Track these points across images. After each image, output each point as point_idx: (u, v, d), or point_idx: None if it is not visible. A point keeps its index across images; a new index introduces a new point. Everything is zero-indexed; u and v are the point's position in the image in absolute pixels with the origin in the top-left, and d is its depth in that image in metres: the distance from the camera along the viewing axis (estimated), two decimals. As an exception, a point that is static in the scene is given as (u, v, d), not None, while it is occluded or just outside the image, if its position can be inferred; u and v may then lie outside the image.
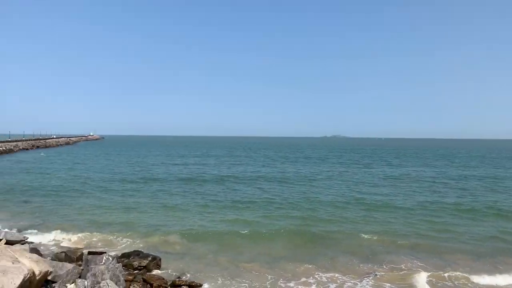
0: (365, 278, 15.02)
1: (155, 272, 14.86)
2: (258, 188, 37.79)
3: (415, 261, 16.94)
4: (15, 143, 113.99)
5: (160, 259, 15.83)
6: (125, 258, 15.70)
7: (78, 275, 12.64)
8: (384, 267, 16.28)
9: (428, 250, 18.45)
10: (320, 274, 15.46)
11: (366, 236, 20.48)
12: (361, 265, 16.53)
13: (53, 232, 20.64)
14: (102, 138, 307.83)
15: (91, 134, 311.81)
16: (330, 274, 15.44)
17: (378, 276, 15.21)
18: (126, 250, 17.30)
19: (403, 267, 16.22)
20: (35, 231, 20.81)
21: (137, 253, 16.14)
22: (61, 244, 18.63)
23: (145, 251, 16.81)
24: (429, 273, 15.27)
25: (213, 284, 14.11)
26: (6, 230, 17.91)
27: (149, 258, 15.45)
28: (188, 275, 14.72)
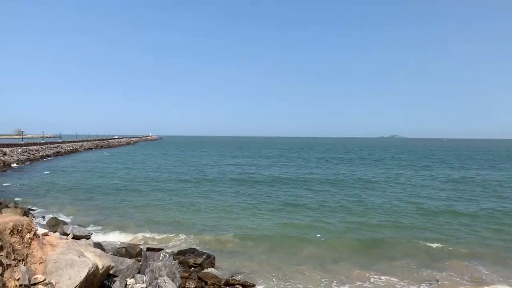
0: (424, 285, 14.31)
1: (209, 270, 15.14)
2: (310, 190, 37.32)
3: (480, 271, 15.83)
4: (81, 143, 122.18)
5: (214, 258, 16.10)
6: (181, 256, 16.14)
7: (138, 271, 13.17)
8: (445, 274, 15.39)
9: (494, 260, 17.15)
10: (376, 278, 14.96)
11: (425, 242, 19.49)
12: (419, 271, 15.78)
13: (114, 228, 21.78)
14: (160, 138, 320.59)
15: (150, 134, 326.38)
16: (386, 278, 14.91)
17: (439, 283, 14.41)
18: (182, 248, 17.78)
19: (467, 277, 15.17)
20: (98, 227, 22.07)
21: (192, 251, 16.53)
22: (121, 240, 19.54)
23: (199, 250, 17.19)
24: (495, 286, 14.23)
25: (266, 285, 14.11)
26: (74, 225, 19.06)
27: (204, 256, 15.76)
28: (241, 275, 14.83)
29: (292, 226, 22.53)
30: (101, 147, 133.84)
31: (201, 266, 15.33)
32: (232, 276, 14.53)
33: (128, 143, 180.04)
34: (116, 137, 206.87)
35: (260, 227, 22.39)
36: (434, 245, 19.02)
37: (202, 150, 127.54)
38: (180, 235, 20.43)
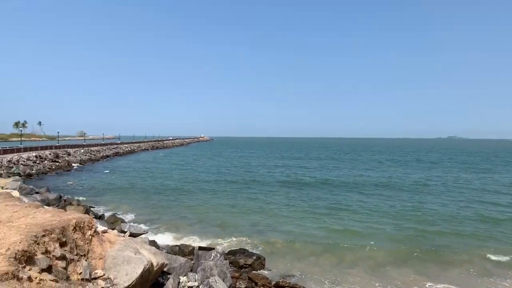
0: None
1: (260, 271, 15.17)
2: (361, 193, 36.25)
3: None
4: (138, 144, 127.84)
5: (264, 259, 16.11)
6: (231, 256, 16.32)
7: (190, 269, 13.47)
8: (507, 284, 14.32)
9: None
10: (432, 284, 14.30)
11: (486, 251, 18.26)
12: (479, 279, 14.86)
13: (168, 227, 22.53)
14: (211, 139, 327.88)
15: (202, 136, 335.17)
16: (443, 286, 14.17)
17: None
18: (232, 248, 17.99)
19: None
20: (153, 225, 22.92)
21: (243, 252, 16.65)
22: (174, 239, 20.15)
23: (249, 250, 17.28)
24: None
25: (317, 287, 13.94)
26: (131, 224, 19.91)
27: (254, 257, 15.82)
28: (292, 278, 14.72)
29: (342, 231, 21.96)
30: (157, 148, 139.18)
31: (251, 266, 15.40)
32: (283, 278, 14.46)
33: (182, 144, 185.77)
34: (171, 138, 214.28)
35: (309, 230, 22.10)
36: (496, 254, 17.75)
37: (251, 151, 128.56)
38: (230, 236, 20.68)
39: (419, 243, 19.81)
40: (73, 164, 61.98)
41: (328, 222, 24.05)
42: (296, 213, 26.68)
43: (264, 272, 15.07)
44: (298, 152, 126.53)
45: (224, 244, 19.22)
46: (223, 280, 12.31)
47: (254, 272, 14.72)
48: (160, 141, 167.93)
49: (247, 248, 17.86)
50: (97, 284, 8.62)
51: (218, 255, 14.36)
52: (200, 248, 16.95)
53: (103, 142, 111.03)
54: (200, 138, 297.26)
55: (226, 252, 17.06)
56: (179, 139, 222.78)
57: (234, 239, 20.07)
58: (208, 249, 17.21)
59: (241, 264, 15.47)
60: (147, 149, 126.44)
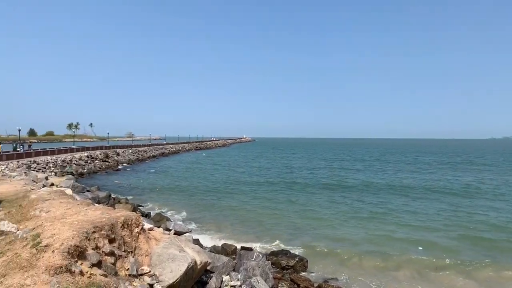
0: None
1: (302, 273, 15.02)
2: (407, 196, 34.85)
3: None
4: (182, 144, 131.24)
5: (307, 261, 15.94)
6: (273, 256, 16.29)
7: (232, 268, 13.59)
8: None
9: None
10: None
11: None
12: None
13: (210, 226, 22.88)
14: (253, 140, 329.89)
15: (244, 136, 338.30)
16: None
17: None
18: (274, 249, 17.95)
19: None
20: (196, 224, 23.37)
21: (285, 253, 16.57)
22: (217, 238, 20.42)
23: (292, 252, 17.17)
24: None
25: (361, 292, 13.62)
26: (175, 222, 20.38)
27: (296, 259, 15.70)
28: (335, 281, 14.46)
29: (387, 236, 21.02)
30: (200, 148, 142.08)
31: (293, 268, 15.29)
32: (326, 281, 14.23)
33: (224, 145, 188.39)
34: (213, 139, 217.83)
35: (352, 234, 21.49)
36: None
37: (292, 152, 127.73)
38: (272, 237, 20.64)
39: (469, 250, 18.77)
40: (122, 164, 64.55)
41: (372, 226, 23.30)
42: (338, 216, 26.09)
43: (307, 274, 14.91)
44: (341, 153, 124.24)
45: (265, 245, 19.21)
46: (265, 281, 12.31)
47: (297, 274, 14.59)
48: (203, 141, 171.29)
49: (288, 249, 17.75)
50: (144, 280, 8.89)
51: (260, 256, 14.37)
52: (242, 248, 17.05)
53: (150, 143, 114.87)
54: (242, 139, 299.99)
55: (268, 253, 17.05)
56: (222, 140, 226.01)
57: (276, 240, 20.01)
58: (250, 249, 17.28)
59: (283, 265, 15.39)
60: (191, 150, 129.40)
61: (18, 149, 50.79)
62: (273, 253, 16.80)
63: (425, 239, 20.47)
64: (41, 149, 55.28)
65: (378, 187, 40.89)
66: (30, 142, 71.71)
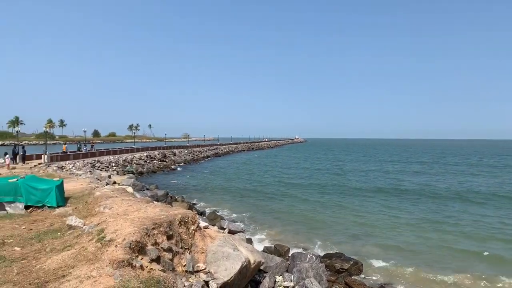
0: None
1: (357, 277, 14.65)
2: (470, 202, 32.54)
3: None
4: (235, 145, 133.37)
5: (362, 265, 15.51)
6: (327, 259, 16.02)
7: (286, 269, 13.56)
8: None
9: None
10: None
11: None
12: None
13: (263, 227, 22.99)
14: (305, 141, 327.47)
15: (296, 137, 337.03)
16: None
17: None
18: (327, 251, 17.66)
19: None
20: (249, 224, 23.59)
21: (339, 256, 16.24)
22: (269, 238, 20.47)
23: (346, 255, 16.79)
24: None
25: (420, 300, 13.00)
26: (229, 221, 20.74)
27: (351, 262, 15.32)
28: (392, 286, 13.94)
29: (446, 247, 19.41)
30: (252, 149, 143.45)
31: (348, 271, 14.94)
32: (382, 286, 13.76)
33: (276, 145, 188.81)
34: (266, 140, 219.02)
35: (408, 241, 20.19)
36: None
37: (345, 153, 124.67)
38: (325, 239, 20.31)
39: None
40: (178, 164, 66.78)
41: (430, 234, 21.59)
42: (393, 221, 24.76)
43: (362, 279, 14.51)
44: (396, 154, 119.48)
45: (318, 247, 18.95)
46: (319, 283, 12.14)
47: (351, 277, 14.26)
48: (255, 142, 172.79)
49: (344, 252, 17.35)
50: (199, 277, 9.11)
51: (314, 258, 14.20)
52: (296, 249, 16.96)
53: (204, 144, 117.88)
54: (295, 140, 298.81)
55: (322, 255, 16.80)
56: (274, 140, 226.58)
57: (328, 243, 19.66)
58: (304, 250, 17.15)
59: (337, 268, 15.09)
60: (243, 150, 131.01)
61: (82, 149, 54.16)
62: (327, 256, 16.52)
63: (490, 251, 18.72)
64: (104, 149, 58.72)
65: (437, 191, 38.20)
66: (92, 143, 76.30)
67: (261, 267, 12.53)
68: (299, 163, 77.84)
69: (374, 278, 14.88)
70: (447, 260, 17.35)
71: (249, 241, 17.09)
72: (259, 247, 17.23)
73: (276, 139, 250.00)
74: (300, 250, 17.08)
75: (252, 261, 10.93)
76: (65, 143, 55.86)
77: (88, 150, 53.94)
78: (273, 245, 17.84)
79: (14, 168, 31.30)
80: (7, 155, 32.56)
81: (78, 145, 58.33)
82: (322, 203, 31.40)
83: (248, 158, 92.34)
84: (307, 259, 14.04)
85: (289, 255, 16.22)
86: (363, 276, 14.95)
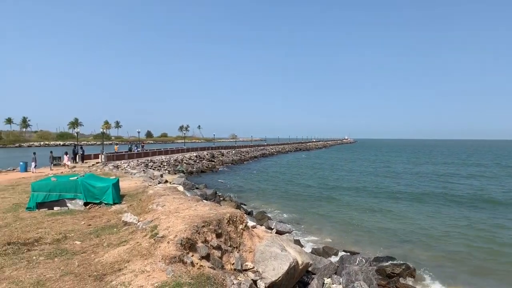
0: None
1: (409, 282, 14.11)
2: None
3: None
4: (282, 146, 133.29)
5: (414, 270, 14.92)
6: (377, 262, 15.59)
7: (334, 271, 13.35)
8: None
9: None
10: None
11: None
12: None
13: (311, 228, 22.78)
14: (355, 141, 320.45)
15: (346, 138, 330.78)
16: None
17: None
18: (378, 255, 17.16)
19: None
20: (296, 225, 23.44)
21: (390, 259, 15.74)
22: (317, 240, 20.23)
23: (397, 259, 16.24)
24: None
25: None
26: (277, 221, 20.75)
27: (403, 267, 14.78)
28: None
29: (503, 258, 17.93)
30: (299, 149, 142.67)
31: (399, 276, 14.42)
32: (436, 292, 13.16)
33: (324, 146, 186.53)
34: (314, 140, 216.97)
35: (460, 249, 19.03)
36: None
37: (396, 154, 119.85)
38: (375, 243, 19.75)
39: None
40: (226, 164, 67.85)
41: (485, 244, 19.95)
42: (445, 228, 23.15)
43: (414, 284, 13.95)
44: (453, 156, 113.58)
45: (367, 251, 18.44)
46: (369, 287, 11.84)
47: (403, 282, 13.76)
48: (303, 143, 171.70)
49: (395, 256, 16.78)
50: (248, 276, 9.20)
51: (364, 261, 13.87)
52: (345, 251, 16.65)
53: (251, 144, 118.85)
54: (344, 140, 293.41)
55: (372, 258, 16.36)
56: (322, 141, 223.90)
57: (378, 247, 19.07)
58: (353, 253, 16.80)
59: (388, 272, 14.61)
60: (291, 151, 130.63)
61: (133, 150, 56.42)
62: (377, 259, 16.06)
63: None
64: (156, 149, 60.92)
65: (495, 197, 35.39)
66: (143, 143, 79.28)
67: (309, 269, 12.42)
68: (347, 165, 75.95)
69: (425, 284, 14.25)
70: (502, 272, 16.16)
71: (297, 242, 16.99)
72: (307, 248, 17.10)
73: (325, 140, 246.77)
74: (348, 253, 16.76)
75: (300, 262, 10.86)
76: (116, 144, 58.65)
77: (139, 151, 56.14)
78: (321, 247, 17.63)
79: (74, 167, 33.29)
80: (67, 155, 34.71)
81: (129, 146, 60.92)
82: (371, 206, 30.45)
83: (295, 159, 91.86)
84: (357, 262, 13.75)
85: (338, 257, 15.97)
86: (415, 282, 14.37)
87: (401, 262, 15.72)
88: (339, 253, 16.90)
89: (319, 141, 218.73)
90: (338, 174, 57.18)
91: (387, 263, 15.36)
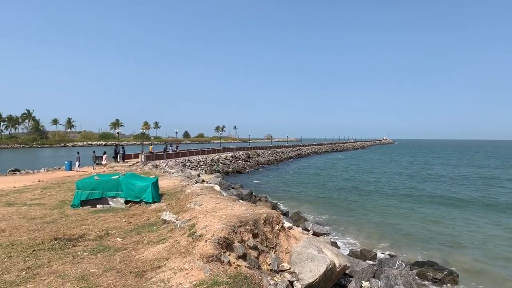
0: None
1: (452, 288, 13.57)
2: None
3: None
4: (318, 146, 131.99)
5: (457, 275, 14.33)
6: (417, 267, 15.11)
7: (372, 275, 13.05)
8: None
9: None
10: None
11: None
12: None
13: (348, 230, 22.40)
14: (394, 142, 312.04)
15: (384, 138, 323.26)
16: None
17: None
18: (418, 259, 16.62)
19: None
20: (333, 226, 23.12)
21: (431, 264, 15.20)
22: (355, 242, 19.87)
23: (439, 264, 15.65)
24: None
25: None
26: (313, 223, 20.54)
27: (445, 272, 14.24)
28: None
29: None
30: (336, 150, 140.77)
31: (441, 282, 13.90)
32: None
33: (362, 147, 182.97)
34: (352, 140, 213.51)
35: (507, 256, 18.11)
36: None
37: (436, 156, 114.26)
38: (415, 246, 19.15)
39: None
40: (261, 164, 68.01)
41: None
42: (489, 234, 21.91)
43: (458, 291, 13.39)
44: (498, 157, 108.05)
45: (407, 254, 17.88)
46: (409, 292, 11.49)
47: (445, 288, 13.24)
48: (340, 143, 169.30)
49: (437, 262, 16.16)
50: (284, 277, 9.16)
51: (403, 265, 13.48)
52: (383, 254, 16.24)
53: (287, 144, 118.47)
54: (382, 141, 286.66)
55: (412, 262, 15.87)
56: (360, 141, 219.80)
57: (420, 250, 18.45)
58: (392, 256, 16.37)
59: (429, 277, 14.12)
60: (327, 151, 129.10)
61: (168, 150, 57.47)
62: (418, 264, 15.56)
63: None
64: (193, 149, 62.03)
65: None
66: (177, 144, 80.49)
67: (347, 271, 12.22)
68: (385, 166, 73.85)
69: (471, 290, 13.64)
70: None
71: (334, 244, 16.76)
72: (344, 251, 16.83)
73: (362, 140, 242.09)
74: (387, 256, 16.34)
75: (337, 264, 10.70)
76: (151, 145, 60.13)
77: (173, 151, 57.21)
78: (359, 249, 17.30)
79: (114, 166, 34.46)
80: (105, 154, 36.01)
81: (165, 146, 62.07)
82: (409, 210, 29.42)
83: (331, 160, 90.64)
84: (396, 265, 13.39)
85: (376, 260, 15.60)
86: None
87: (443, 267, 15.15)
88: (377, 256, 16.51)
89: (357, 141, 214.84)
90: (375, 176, 55.83)
91: (428, 268, 14.84)
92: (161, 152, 53.26)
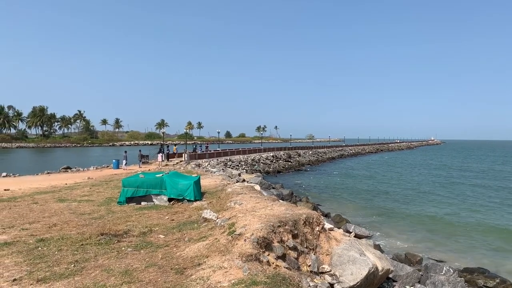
0: None
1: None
2: None
3: None
4: (362, 146, 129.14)
5: (511, 284, 13.47)
6: (467, 273, 14.35)
7: (418, 280, 12.55)
8: None
9: None
10: None
11: None
12: None
13: (392, 233, 21.70)
14: (443, 143, 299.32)
15: (432, 138, 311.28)
16: None
17: None
18: (468, 266, 15.79)
19: None
20: (376, 229, 22.48)
21: (482, 271, 14.39)
22: (399, 245, 19.21)
23: (491, 272, 14.78)
24: None
25: None
26: (355, 225, 20.09)
27: (497, 280, 13.43)
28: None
29: None
30: (381, 150, 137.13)
31: (494, 290, 13.13)
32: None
33: (409, 147, 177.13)
34: (398, 141, 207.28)
35: None
36: None
37: (486, 158, 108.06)
38: (464, 252, 18.25)
39: None
40: (302, 165, 67.50)
41: None
42: None
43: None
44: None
45: (455, 260, 17.04)
46: (458, 300, 10.93)
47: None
48: (384, 144, 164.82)
49: (488, 268, 15.28)
50: (324, 279, 9.00)
51: (451, 271, 12.85)
52: (430, 259, 15.59)
53: (329, 145, 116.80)
54: (430, 141, 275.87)
55: (461, 268, 15.11)
56: (406, 142, 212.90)
57: (469, 256, 17.54)
58: (439, 261, 15.67)
59: (480, 285, 13.39)
60: (371, 152, 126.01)
61: (197, 150, 57.35)
62: (467, 270, 14.78)
63: None
64: (234, 149, 62.64)
65: None
66: (207, 144, 79.10)
67: (390, 275, 11.82)
68: (431, 168, 70.85)
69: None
70: None
71: (377, 247, 16.28)
72: (388, 254, 16.31)
73: (409, 141, 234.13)
74: (434, 261, 15.65)
75: (380, 268, 10.38)
76: (175, 145, 60.60)
77: (203, 151, 56.87)
78: (403, 253, 16.71)
79: (166, 165, 35.53)
80: (160, 153, 37.19)
81: (194, 146, 61.66)
82: (456, 214, 27.87)
83: (375, 161, 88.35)
84: (443, 271, 12.79)
85: (422, 265, 15.00)
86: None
87: (495, 274, 14.31)
88: (423, 261, 15.87)
89: (403, 142, 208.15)
90: (422, 177, 53.70)
91: (478, 275, 14.07)
92: (203, 151, 54.10)
